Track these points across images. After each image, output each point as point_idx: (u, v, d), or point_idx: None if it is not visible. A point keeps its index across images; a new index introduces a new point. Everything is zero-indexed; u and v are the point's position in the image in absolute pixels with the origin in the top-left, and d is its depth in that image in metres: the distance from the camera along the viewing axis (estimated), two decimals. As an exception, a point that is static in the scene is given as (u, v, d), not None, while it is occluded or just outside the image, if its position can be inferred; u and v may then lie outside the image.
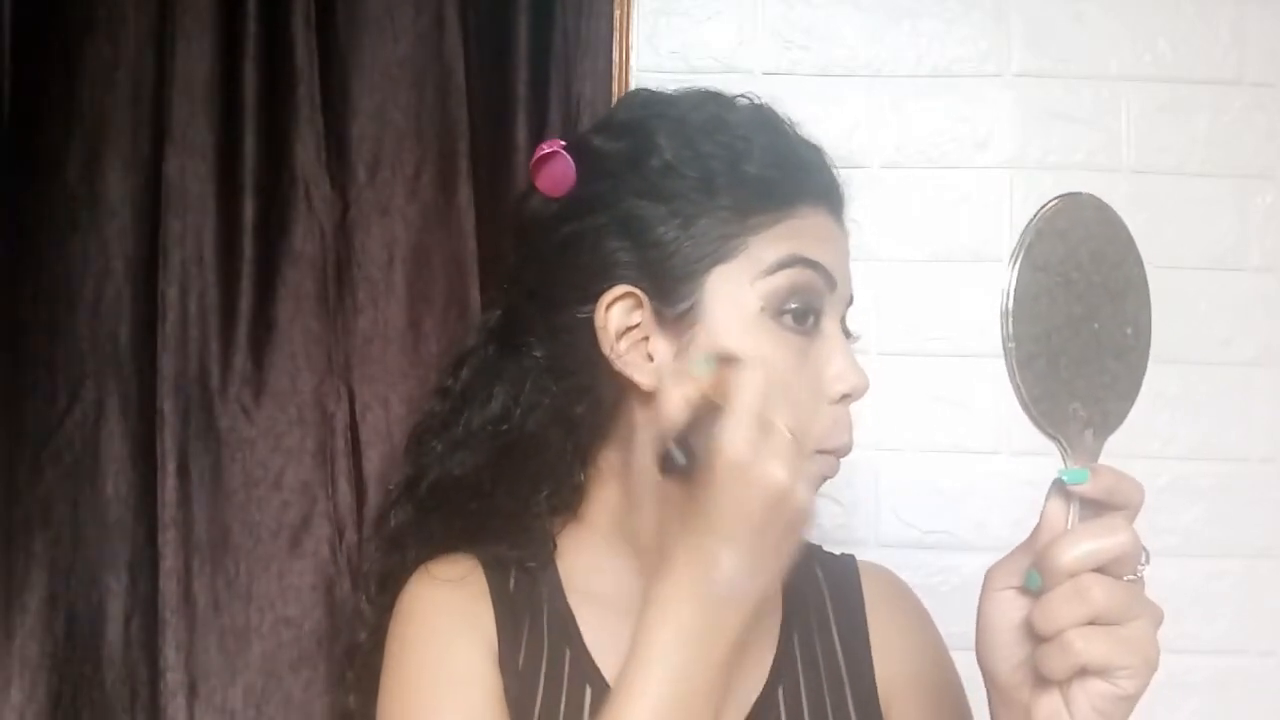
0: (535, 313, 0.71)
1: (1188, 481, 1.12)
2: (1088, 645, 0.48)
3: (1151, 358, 0.55)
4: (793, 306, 0.64)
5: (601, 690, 0.66)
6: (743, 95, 0.72)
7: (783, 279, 0.64)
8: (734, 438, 0.55)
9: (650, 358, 0.66)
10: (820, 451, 0.65)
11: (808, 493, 0.56)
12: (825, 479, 0.66)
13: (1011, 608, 0.53)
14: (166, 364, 1.00)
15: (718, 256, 0.65)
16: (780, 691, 0.70)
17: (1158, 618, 0.50)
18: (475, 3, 1.06)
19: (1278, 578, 1.11)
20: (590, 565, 0.71)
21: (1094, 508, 0.51)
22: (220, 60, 1.02)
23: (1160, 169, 1.13)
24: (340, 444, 1.02)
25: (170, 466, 0.99)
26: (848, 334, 0.70)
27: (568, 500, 0.73)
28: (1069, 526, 0.52)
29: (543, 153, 0.71)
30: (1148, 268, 0.55)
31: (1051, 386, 0.52)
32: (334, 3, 1.04)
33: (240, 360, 1.01)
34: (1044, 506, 0.53)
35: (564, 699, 0.67)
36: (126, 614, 1.00)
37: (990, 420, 1.12)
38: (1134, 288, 0.55)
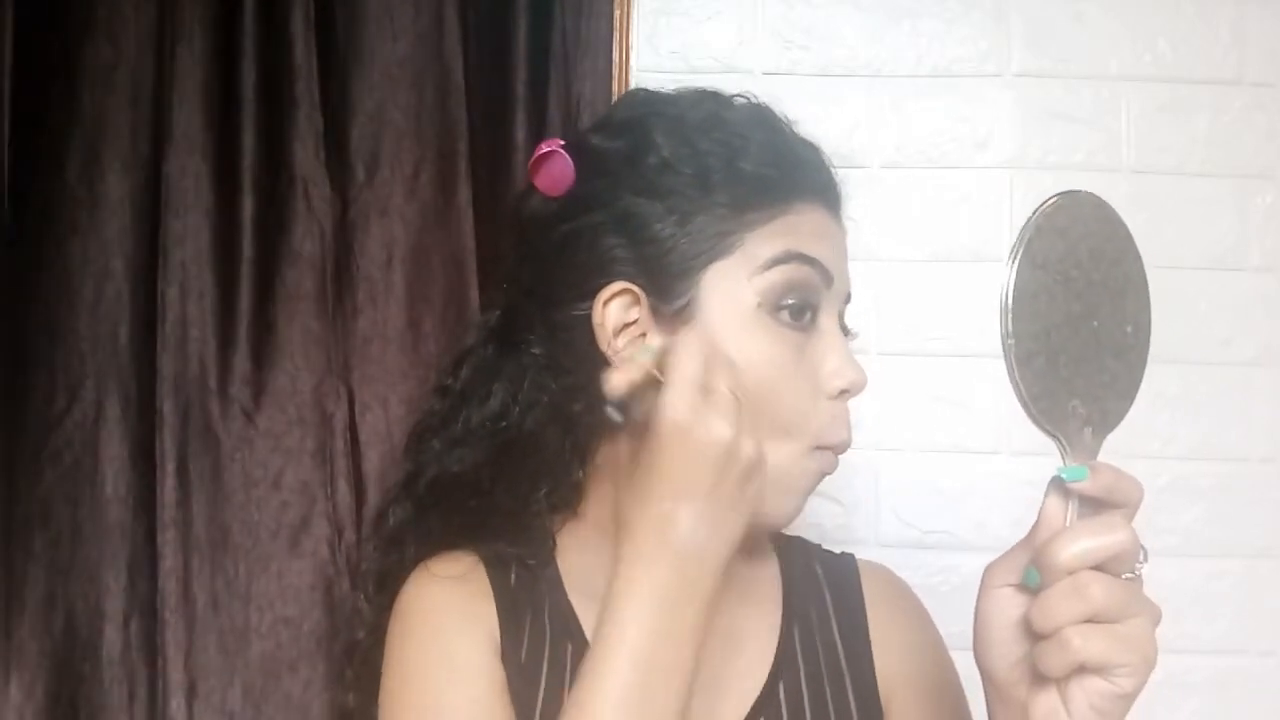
0: (534, 311, 0.72)
1: (1188, 481, 1.12)
2: (1086, 643, 0.48)
3: (1151, 357, 0.55)
4: (789, 302, 0.65)
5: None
6: (740, 95, 0.72)
7: (779, 274, 0.65)
8: (674, 401, 0.58)
9: (648, 354, 0.66)
10: (819, 447, 0.65)
11: (754, 445, 0.59)
12: (825, 475, 0.67)
13: (1010, 605, 0.53)
14: (166, 364, 1.00)
15: (714, 253, 0.65)
16: (781, 687, 0.70)
17: (1156, 616, 0.50)
18: (475, 3, 1.06)
19: (1278, 578, 1.11)
20: (590, 562, 0.71)
21: (1093, 505, 0.51)
22: (219, 60, 1.02)
23: (1160, 169, 1.13)
24: (339, 444, 1.02)
25: (170, 466, 0.99)
26: (846, 331, 0.70)
27: (567, 498, 0.73)
28: (1067, 524, 0.51)
29: (541, 152, 0.71)
30: (1148, 268, 0.55)
31: (1051, 384, 0.52)
32: (333, 2, 1.04)
33: (239, 360, 1.02)
34: (1043, 504, 0.53)
35: (567, 691, 0.67)
36: (126, 613, 1.00)
37: (990, 420, 1.12)
38: (1133, 286, 0.55)
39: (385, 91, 1.04)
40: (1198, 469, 1.12)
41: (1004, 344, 0.51)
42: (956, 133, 1.14)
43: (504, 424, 0.73)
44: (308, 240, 1.03)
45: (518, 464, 0.72)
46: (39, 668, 0.97)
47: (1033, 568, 0.51)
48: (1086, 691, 0.49)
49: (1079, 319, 0.53)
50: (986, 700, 0.56)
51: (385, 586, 0.75)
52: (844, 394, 0.66)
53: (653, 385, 0.60)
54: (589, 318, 0.67)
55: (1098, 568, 0.49)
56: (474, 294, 1.02)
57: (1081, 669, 0.49)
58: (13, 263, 1.01)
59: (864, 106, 1.14)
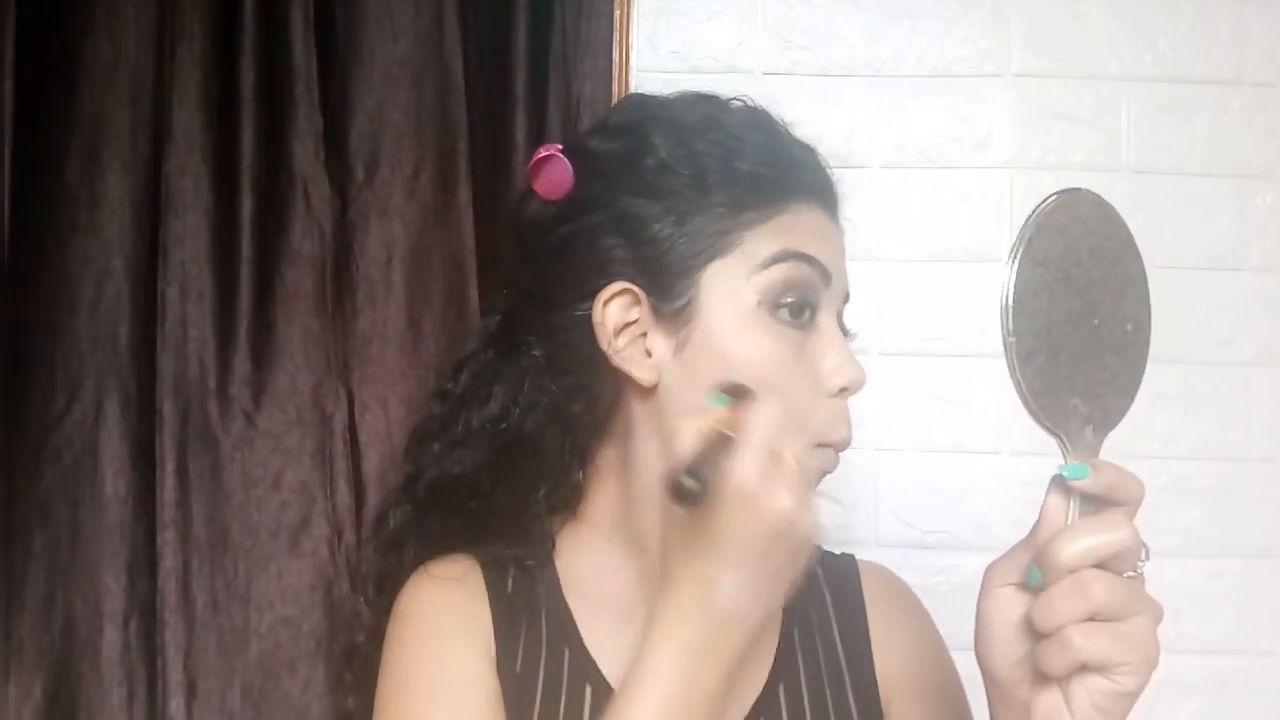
0: (534, 313, 0.72)
1: (1188, 481, 1.12)
2: (1088, 641, 0.48)
3: (1151, 357, 0.55)
4: (788, 301, 0.65)
5: (601, 689, 0.66)
6: (736, 98, 0.72)
7: (778, 273, 0.65)
8: (745, 468, 0.55)
9: (648, 353, 0.67)
10: (819, 445, 0.65)
11: (812, 522, 0.57)
12: (825, 473, 0.67)
13: (1011, 604, 0.53)
14: (166, 364, 0.99)
15: (713, 252, 0.65)
16: (781, 689, 0.70)
17: (1158, 614, 0.50)
18: (475, 2, 1.05)
19: (1278, 578, 1.11)
20: (589, 564, 0.71)
21: (1094, 503, 0.51)
22: (219, 60, 1.02)
23: (1160, 169, 1.13)
24: (339, 444, 1.02)
25: (169, 467, 0.99)
26: (845, 331, 0.70)
27: (566, 499, 0.73)
28: (1069, 522, 0.51)
29: (540, 156, 0.72)
30: (1148, 268, 0.55)
31: (1051, 382, 0.52)
32: (333, 2, 1.04)
33: (239, 360, 1.01)
34: (1044, 502, 0.53)
35: (563, 698, 0.67)
36: (125, 614, 0.99)
37: (990, 420, 1.11)
38: (1133, 284, 0.55)
39: (385, 91, 1.04)
40: (1198, 469, 1.12)
41: (1005, 342, 0.52)
42: (956, 133, 1.14)
43: (504, 425, 0.73)
44: (307, 240, 1.03)
45: (518, 465, 0.72)
46: (38, 668, 0.97)
47: (1034, 566, 0.51)
48: (1089, 690, 0.49)
49: (1080, 317, 0.53)
50: (988, 700, 0.56)
51: (385, 589, 0.75)
52: (844, 392, 0.67)
53: (721, 443, 0.56)
54: (589, 318, 0.67)
55: (1099, 566, 0.49)
56: (474, 294, 1.02)
57: (1083, 668, 0.49)
58: (13, 263, 1.00)
59: (864, 106, 1.14)
